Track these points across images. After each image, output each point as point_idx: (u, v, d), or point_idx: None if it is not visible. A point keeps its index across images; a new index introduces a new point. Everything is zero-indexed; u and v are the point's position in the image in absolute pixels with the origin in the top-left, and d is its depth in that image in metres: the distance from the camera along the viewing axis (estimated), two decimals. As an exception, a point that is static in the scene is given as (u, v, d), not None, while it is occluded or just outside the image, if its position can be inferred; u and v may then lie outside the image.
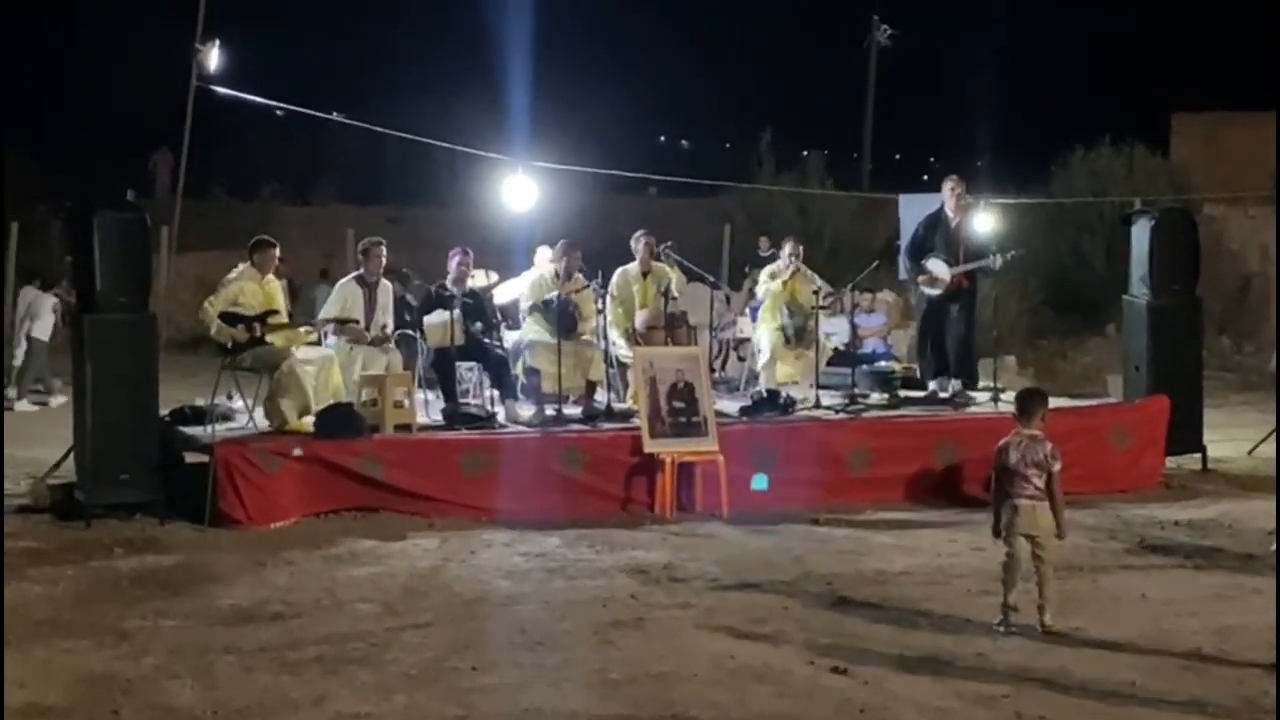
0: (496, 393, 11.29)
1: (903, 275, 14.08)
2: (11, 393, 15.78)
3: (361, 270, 11.11)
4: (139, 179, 29.23)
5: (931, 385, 12.39)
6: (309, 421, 10.10)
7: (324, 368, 10.49)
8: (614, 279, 11.85)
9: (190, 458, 10.21)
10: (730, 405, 11.60)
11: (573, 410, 11.00)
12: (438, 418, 10.80)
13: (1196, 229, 12.71)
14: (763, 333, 12.39)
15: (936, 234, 12.42)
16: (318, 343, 11.11)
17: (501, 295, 12.51)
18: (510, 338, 11.83)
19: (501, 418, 10.88)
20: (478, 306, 11.56)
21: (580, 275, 11.62)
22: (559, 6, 29.92)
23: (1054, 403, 9.17)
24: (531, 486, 10.02)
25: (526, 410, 10.95)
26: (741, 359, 13.88)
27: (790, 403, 11.43)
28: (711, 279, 14.12)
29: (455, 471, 10.03)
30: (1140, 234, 12.13)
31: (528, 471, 10.09)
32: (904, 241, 13.63)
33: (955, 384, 12.22)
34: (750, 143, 26.06)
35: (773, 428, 10.98)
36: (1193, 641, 7.07)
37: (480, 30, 27.11)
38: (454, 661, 6.74)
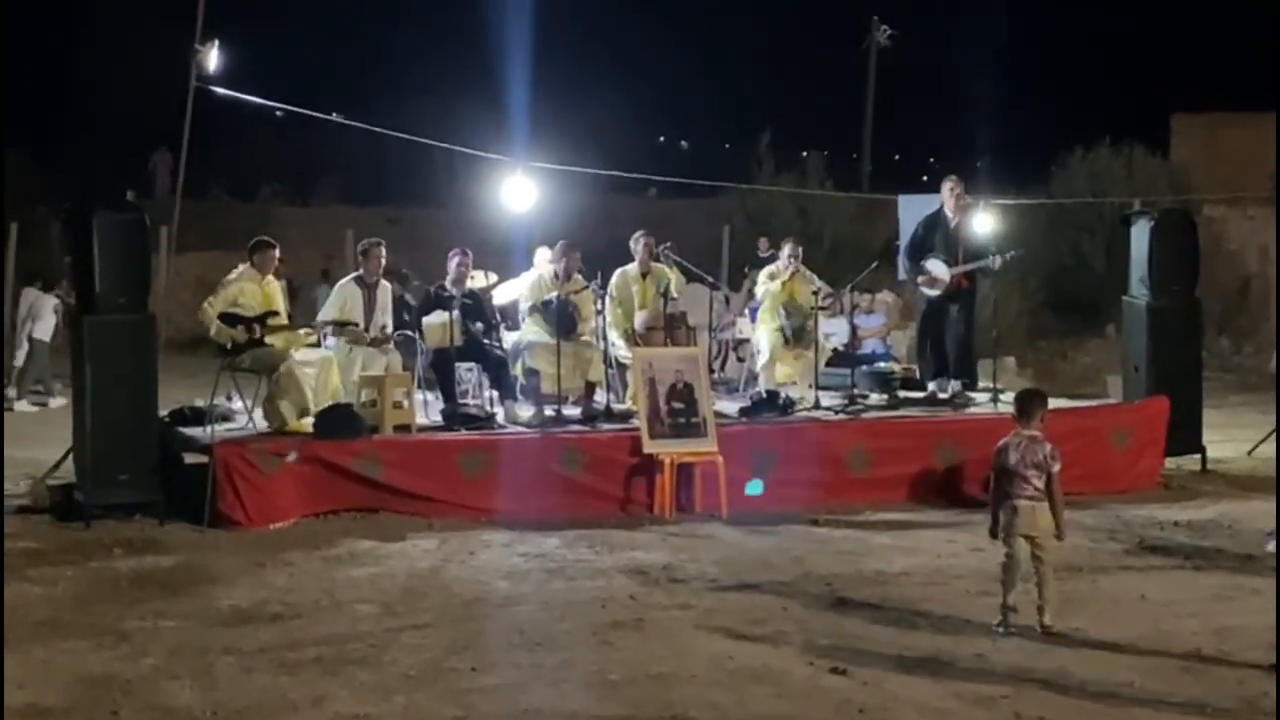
0: (496, 393, 11.30)
1: (902, 276, 14.07)
2: (11, 393, 15.79)
3: (361, 271, 11.11)
4: (139, 179, 29.23)
5: (931, 386, 12.40)
6: (308, 423, 10.11)
7: (323, 369, 10.50)
8: (613, 280, 11.85)
9: (190, 458, 10.20)
10: (729, 406, 11.60)
11: (572, 411, 11.00)
12: (437, 418, 10.80)
13: (1196, 230, 12.71)
14: (762, 333, 12.39)
15: (936, 234, 12.43)
16: (317, 344, 11.11)
17: (501, 296, 12.50)
18: (509, 338, 11.82)
19: (501, 418, 10.88)
20: (477, 307, 11.56)
21: (579, 276, 11.61)
22: (559, 6, 29.90)
23: (1054, 403, 9.16)
24: (531, 487, 10.02)
25: (526, 411, 10.94)
26: (741, 360, 13.87)
27: (789, 403, 11.43)
28: (711, 280, 14.13)
29: (454, 472, 10.03)
30: (1140, 235, 12.13)
31: (527, 472, 10.09)
32: (903, 242, 13.62)
33: (955, 385, 12.22)
34: (750, 143, 26.09)
35: (772, 428, 10.98)
36: (1192, 642, 7.07)
37: (480, 30, 27.09)
38: (453, 662, 6.74)
